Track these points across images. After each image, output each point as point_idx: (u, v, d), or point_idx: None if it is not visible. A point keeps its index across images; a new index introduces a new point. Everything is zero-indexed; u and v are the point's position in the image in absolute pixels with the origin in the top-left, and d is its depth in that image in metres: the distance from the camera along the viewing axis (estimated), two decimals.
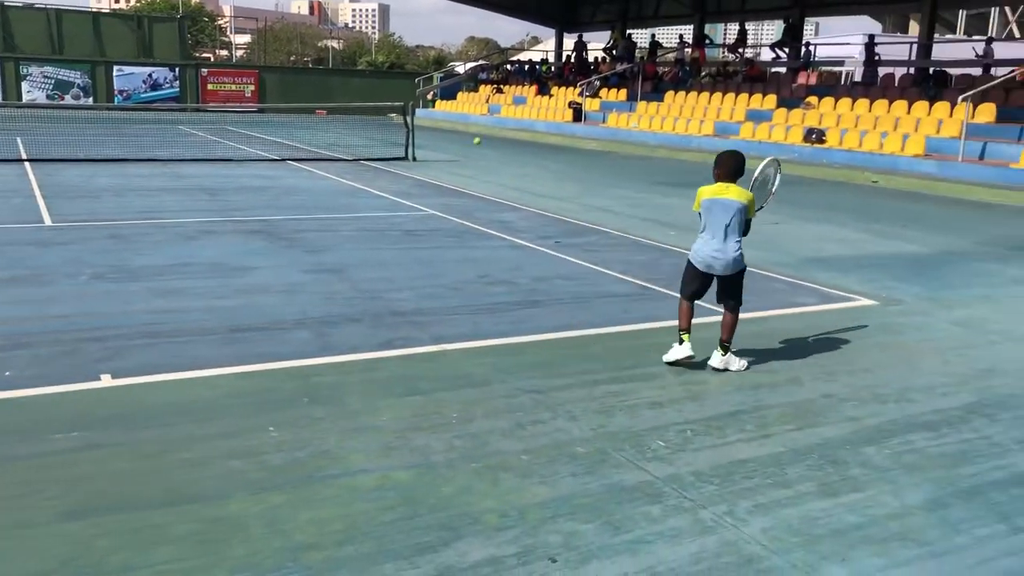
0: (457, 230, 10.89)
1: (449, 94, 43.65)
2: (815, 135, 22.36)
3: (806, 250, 9.94)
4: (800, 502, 3.86)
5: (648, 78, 31.67)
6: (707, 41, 35.34)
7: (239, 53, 72.95)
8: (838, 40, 44.24)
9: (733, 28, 35.19)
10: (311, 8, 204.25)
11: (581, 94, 31.90)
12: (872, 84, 25.50)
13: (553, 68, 40.33)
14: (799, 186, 17.59)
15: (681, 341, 5.64)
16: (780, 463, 4.26)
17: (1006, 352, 6.14)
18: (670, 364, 5.66)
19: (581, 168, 20.46)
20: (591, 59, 38.76)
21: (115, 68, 43.51)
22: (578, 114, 31.16)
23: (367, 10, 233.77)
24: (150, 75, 44.43)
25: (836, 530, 3.61)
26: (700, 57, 33.34)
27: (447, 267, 8.64)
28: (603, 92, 32.75)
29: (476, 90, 41.88)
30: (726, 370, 5.65)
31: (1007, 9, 53.65)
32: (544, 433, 4.54)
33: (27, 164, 16.53)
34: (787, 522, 3.67)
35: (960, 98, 19.64)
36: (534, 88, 37.05)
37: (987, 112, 20.45)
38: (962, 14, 55.43)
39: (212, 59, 64.46)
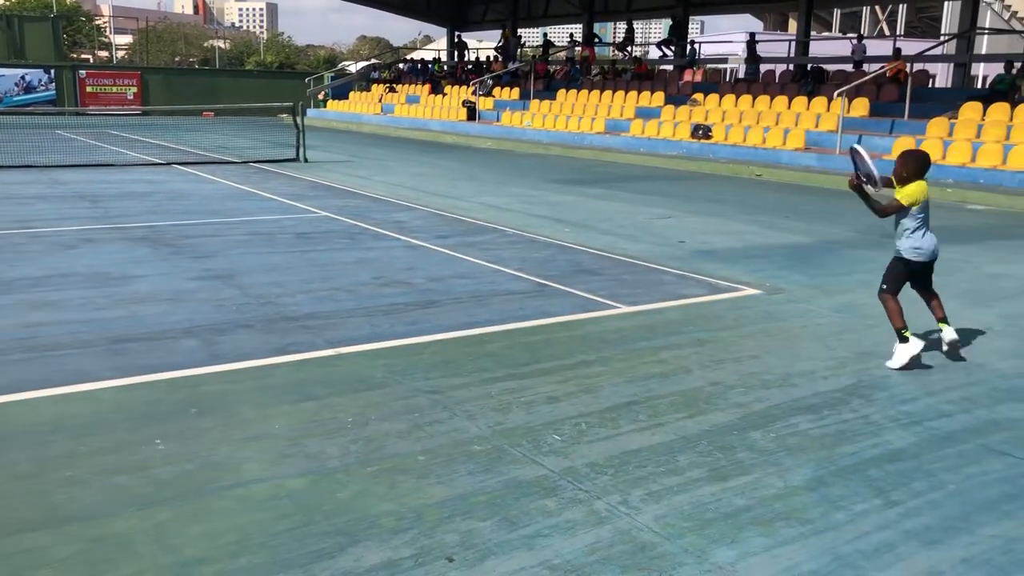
0: (351, 231, 10.76)
1: (341, 94, 43.09)
2: (702, 131, 23.00)
3: (694, 242, 10.22)
4: (691, 488, 3.97)
5: (540, 77, 31.98)
6: (596, 40, 35.90)
7: (120, 54, 70.18)
8: (722, 38, 45.65)
9: (621, 27, 35.88)
10: (196, 7, 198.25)
11: (474, 93, 31.97)
12: (754, 80, 26.41)
13: (446, 67, 40.28)
14: (687, 181, 18.10)
15: (907, 339, 5.68)
16: (672, 451, 4.37)
17: (883, 335, 6.45)
18: (901, 368, 5.71)
19: (476, 167, 20.50)
20: (483, 58, 38.88)
21: None
22: (472, 113, 31.22)
23: (254, 9, 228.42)
24: (23, 77, 42.34)
25: (725, 513, 3.73)
26: (590, 56, 33.87)
27: (341, 269, 8.53)
28: (496, 91, 32.90)
29: (369, 89, 41.48)
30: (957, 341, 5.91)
31: (877, 8, 56.49)
32: (442, 433, 4.54)
33: None
34: (679, 508, 3.77)
35: (835, 93, 20.53)
36: (427, 87, 36.95)
37: (861, 106, 21.44)
38: (837, 13, 58.03)
39: (91, 60, 61.83)
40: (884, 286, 5.88)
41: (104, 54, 67.49)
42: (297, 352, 5.86)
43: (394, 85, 39.97)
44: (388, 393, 5.11)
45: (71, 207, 12.20)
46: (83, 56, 65.16)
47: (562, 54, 36.54)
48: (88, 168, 17.71)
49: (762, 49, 28.10)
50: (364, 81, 44.08)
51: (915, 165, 5.68)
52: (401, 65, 44.68)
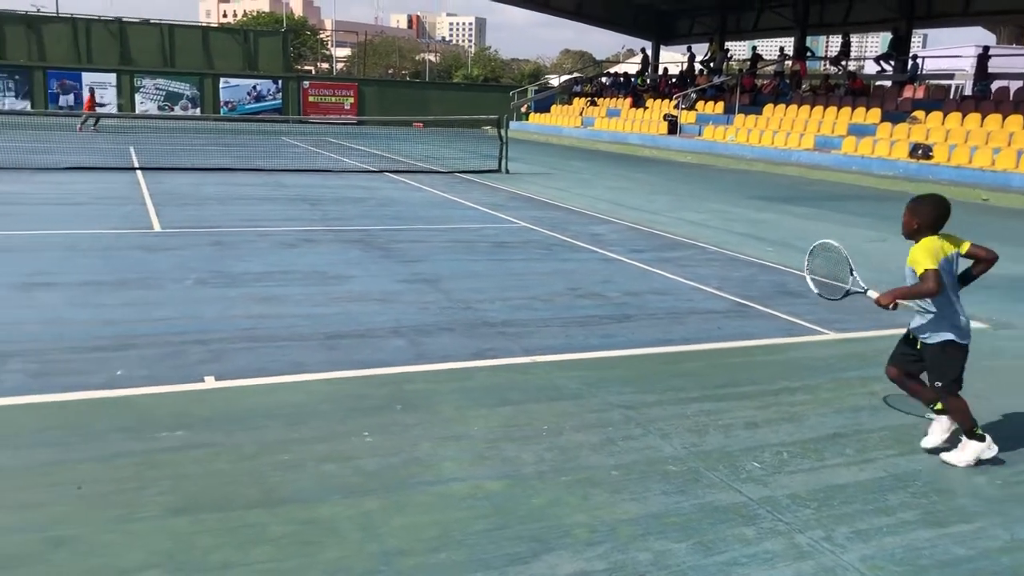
0: (548, 242, 10.90)
1: (543, 107, 43.83)
2: (921, 151, 21.59)
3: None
4: (903, 530, 3.71)
5: (746, 91, 31.15)
6: (808, 54, 34.54)
7: (339, 66, 74.83)
8: (948, 52, 42.68)
9: (835, 40, 34.30)
10: (409, 22, 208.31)
11: (677, 106, 31.60)
12: (984, 98, 24.49)
13: (648, 80, 40.07)
14: (904, 203, 17.01)
15: (983, 436, 4.42)
16: (882, 489, 4.11)
17: None
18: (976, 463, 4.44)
19: (675, 181, 20.25)
20: (687, 71, 38.38)
21: (222, 80, 45.19)
22: (673, 127, 30.87)
23: (464, 24, 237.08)
24: (254, 87, 45.98)
25: (942, 562, 3.46)
26: (801, 70, 32.63)
27: (538, 279, 8.65)
28: (699, 105, 32.38)
29: (570, 103, 41.95)
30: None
31: None
32: (635, 449, 4.49)
33: (139, 172, 17.29)
34: (889, 551, 3.53)
35: None
36: (629, 100, 36.88)
37: None
38: None
39: (313, 72, 66.33)
40: (938, 383, 4.44)
41: (325, 66, 72.26)
42: (495, 357, 6.00)
43: (595, 98, 40.22)
44: (582, 404, 5.12)
45: (294, 209, 13.10)
46: (306, 68, 70.02)
47: (771, 68, 35.40)
48: (309, 173, 18.97)
49: (994, 64, 26.03)
50: (566, 94, 44.64)
51: (932, 212, 4.48)
52: (603, 79, 44.90)
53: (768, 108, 29.07)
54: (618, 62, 65.53)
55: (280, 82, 46.40)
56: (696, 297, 8.12)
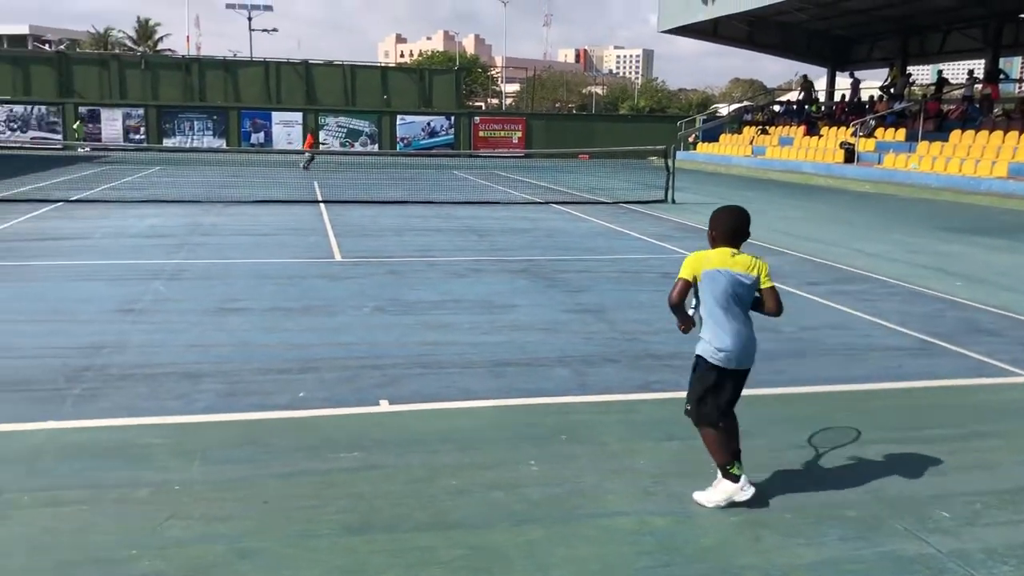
0: None
1: (711, 136, 43.14)
2: None
3: None
4: None
5: (931, 116, 29.47)
6: (1001, 76, 32.32)
7: (508, 101, 76.67)
8: None
9: None
10: (577, 56, 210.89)
11: (854, 134, 30.31)
12: None
13: (823, 108, 38.68)
14: None
15: (737, 477, 4.04)
16: None
17: None
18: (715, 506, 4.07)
19: (852, 211, 19.38)
20: (865, 98, 36.78)
21: (398, 117, 47.29)
22: (850, 155, 29.61)
23: (631, 56, 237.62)
24: (428, 123, 47.82)
25: None
26: (992, 93, 30.56)
27: None
28: (879, 132, 30.91)
29: (739, 132, 41.08)
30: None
31: None
32: (811, 491, 4.29)
33: (322, 205, 18.30)
34: None
35: None
36: (802, 128, 35.71)
37: None
38: None
39: (484, 107, 68.26)
40: (687, 406, 4.17)
41: (495, 101, 74.19)
42: (661, 390, 5.91)
43: (766, 127, 39.21)
44: (753, 443, 4.94)
45: (463, 239, 13.47)
46: (477, 104, 72.14)
47: (958, 92, 33.36)
48: (478, 205, 19.47)
49: None
50: (735, 123, 43.77)
51: (725, 222, 4.13)
52: (775, 106, 43.73)
53: (955, 134, 27.37)
54: (790, 89, 63.69)
55: (452, 118, 48.03)
56: (875, 333, 7.71)
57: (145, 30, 78.27)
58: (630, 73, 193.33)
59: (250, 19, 62.42)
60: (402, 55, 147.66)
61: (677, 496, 4.20)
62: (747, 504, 4.09)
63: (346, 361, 6.43)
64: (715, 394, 4.08)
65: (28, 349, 6.57)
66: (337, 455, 4.62)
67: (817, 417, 5.40)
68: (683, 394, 5.77)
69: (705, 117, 49.64)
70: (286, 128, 45.77)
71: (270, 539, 3.70)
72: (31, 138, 42.64)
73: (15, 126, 43.21)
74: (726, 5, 34.72)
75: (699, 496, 4.12)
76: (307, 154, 30.93)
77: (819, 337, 7.51)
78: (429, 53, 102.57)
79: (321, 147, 43.56)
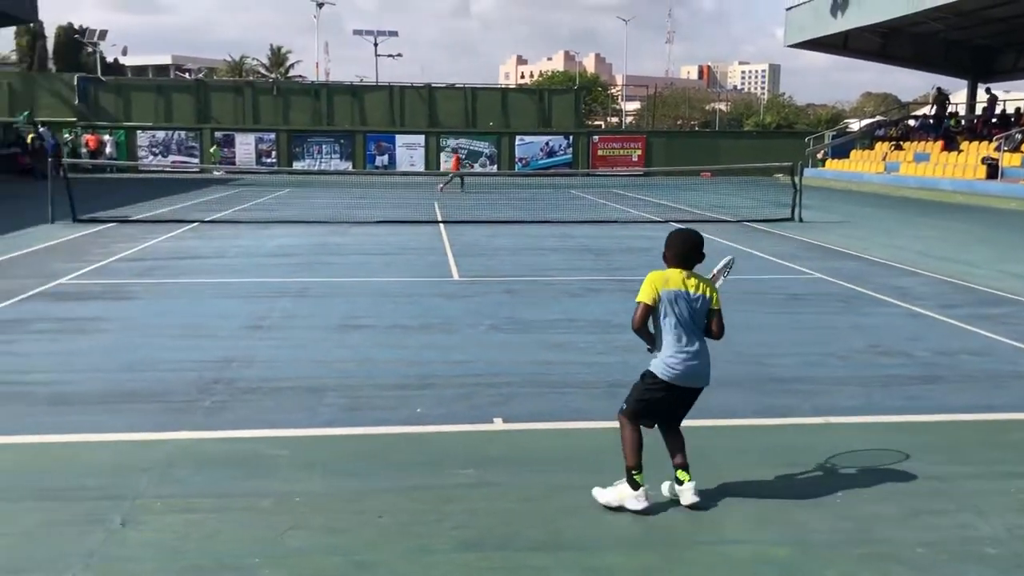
0: (846, 295, 10.26)
1: (841, 153, 41.72)
2: None
3: None
4: None
5: None
6: None
7: (628, 119, 76.33)
8: None
9: None
10: (700, 73, 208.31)
11: (998, 148, 28.72)
12: None
13: (963, 121, 36.84)
14: None
15: (637, 484, 4.17)
16: None
17: None
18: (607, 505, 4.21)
19: (994, 230, 18.33)
20: (1010, 110, 34.82)
21: (517, 138, 47.78)
22: (993, 170, 28.06)
23: (757, 71, 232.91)
24: (547, 143, 48.10)
25: None
26: None
27: (834, 334, 8.16)
28: None
29: (871, 148, 39.58)
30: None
31: None
32: (944, 526, 4.05)
33: (441, 225, 18.65)
34: None
35: None
36: (939, 144, 34.10)
37: None
38: None
39: (603, 126, 68.19)
40: (624, 404, 4.37)
41: (615, 120, 74.00)
42: (783, 416, 5.72)
43: (900, 142, 37.64)
44: (881, 472, 4.72)
45: (579, 259, 13.45)
46: (596, 123, 72.10)
47: None
48: (594, 224, 19.42)
49: None
50: (867, 139, 42.19)
51: (676, 246, 4.40)
52: (910, 121, 41.94)
53: None
54: (926, 103, 61.02)
55: (571, 138, 48.17)
56: (1022, 360, 7.24)
57: (277, 57, 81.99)
58: (756, 89, 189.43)
59: (376, 45, 64.56)
60: (523, 76, 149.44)
61: (798, 525, 4.04)
62: (875, 536, 3.89)
63: (463, 379, 6.50)
64: (656, 405, 4.30)
65: (167, 363, 6.93)
66: (453, 471, 4.66)
67: (954, 447, 5.12)
68: (807, 420, 5.62)
69: (835, 133, 48.09)
70: (409, 151, 46.93)
71: (386, 553, 3.75)
72: (171, 162, 45.22)
73: (157, 151, 45.91)
74: (857, 17, 33.61)
75: (596, 492, 4.29)
76: (450, 175, 31.46)
77: (958, 363, 7.11)
78: (549, 74, 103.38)
79: (442, 167, 44.45)
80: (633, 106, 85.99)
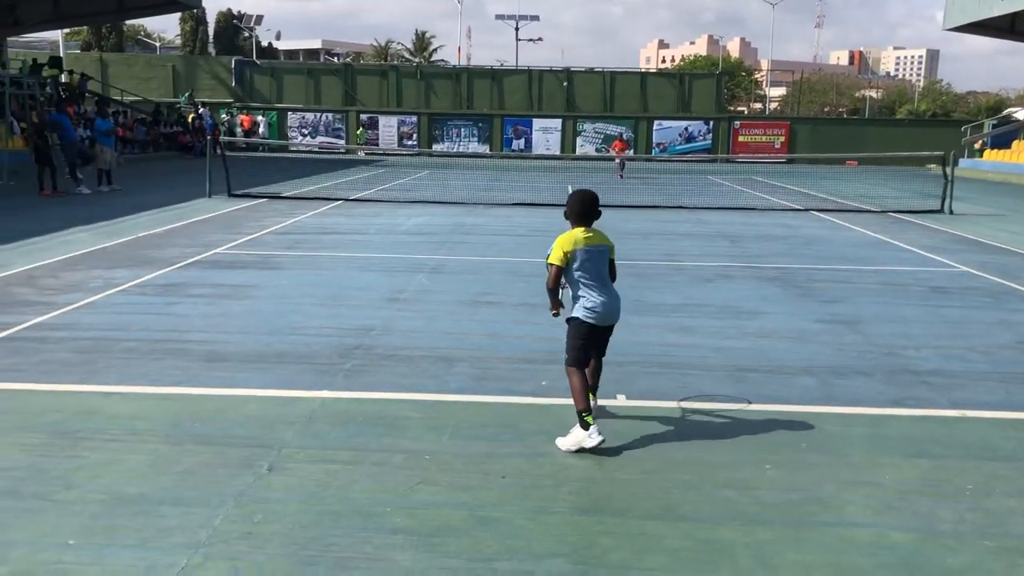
0: (995, 290, 9.78)
1: (1002, 143, 39.26)
2: None
3: None
4: None
5: None
6: None
7: (773, 105, 74.10)
8: None
9: None
10: (851, 58, 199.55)
11: None
12: None
13: None
14: None
15: (588, 425, 4.64)
16: None
17: None
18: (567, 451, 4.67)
19: None
20: None
21: (655, 123, 47.30)
22: None
23: (912, 57, 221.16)
24: (686, 128, 47.43)
25: None
26: None
27: (978, 329, 7.83)
28: None
29: None
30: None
31: None
32: None
33: None
34: None
35: None
36: None
37: None
38: None
39: (745, 112, 66.48)
40: (566, 356, 4.87)
41: (758, 106, 71.99)
42: (915, 407, 5.58)
43: None
44: (1019, 467, 4.56)
45: (712, 245, 13.29)
46: (739, 108, 70.36)
47: None
48: (731, 211, 19.08)
49: None
50: None
51: (575, 207, 4.94)
52: None
53: None
54: None
55: (711, 123, 47.29)
56: None
57: (421, 42, 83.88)
58: (911, 75, 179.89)
59: (517, 29, 65.01)
60: (663, 61, 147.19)
61: (923, 514, 3.98)
62: (1008, 530, 3.80)
63: None
64: (589, 346, 4.88)
65: (312, 328, 7.36)
66: None
67: None
68: (941, 412, 5.48)
69: (996, 122, 45.25)
70: (545, 134, 47.25)
71: (507, 511, 3.94)
72: (319, 143, 47.17)
73: (306, 132, 48.00)
74: None
75: (558, 441, 4.73)
76: (617, 160, 31.33)
77: None
78: (691, 58, 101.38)
79: (578, 151, 44.49)
80: (778, 92, 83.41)
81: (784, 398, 5.69)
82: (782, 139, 47.12)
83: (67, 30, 51.04)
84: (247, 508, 3.92)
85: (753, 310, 8.50)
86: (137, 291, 8.75)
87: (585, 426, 4.63)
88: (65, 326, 7.24)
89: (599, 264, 4.85)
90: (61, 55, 42.55)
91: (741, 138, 47.18)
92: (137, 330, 7.16)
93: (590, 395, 4.80)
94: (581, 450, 4.62)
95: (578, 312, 4.84)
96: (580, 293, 4.84)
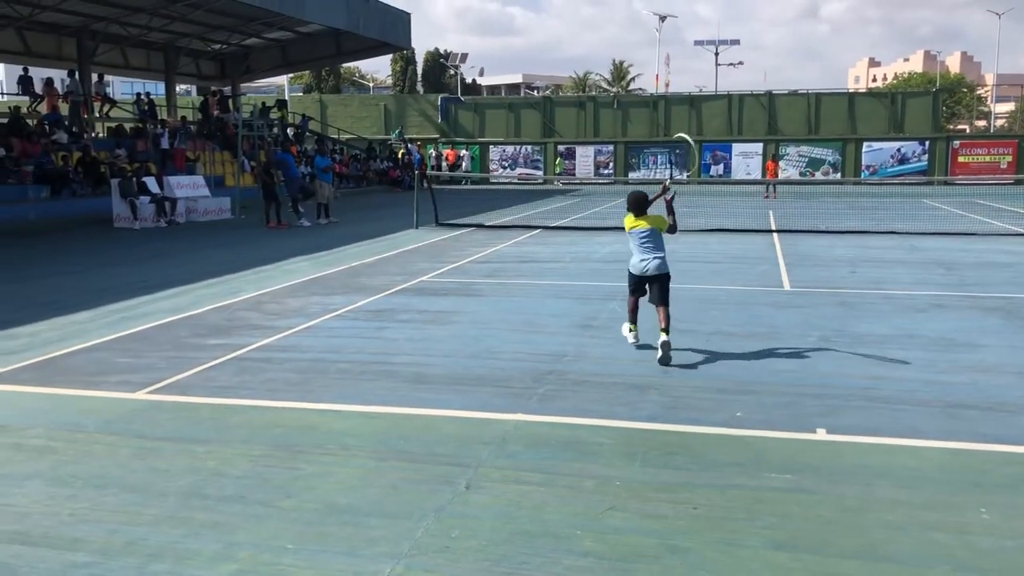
0: None
1: None
2: None
3: None
4: None
5: None
6: None
7: (999, 123, 68.59)
8: None
9: None
10: None
11: None
12: None
13: None
14: None
15: (632, 329, 7.81)
16: None
17: None
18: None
19: None
20: None
21: (864, 144, 45.04)
22: None
23: None
24: (898, 149, 44.85)
25: None
26: None
27: None
28: None
29: None
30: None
31: None
32: None
33: (775, 235, 18.21)
34: None
35: None
36: None
37: None
38: None
39: (967, 130, 61.94)
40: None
41: (982, 123, 66.84)
42: None
43: None
44: None
45: (926, 272, 12.50)
46: (959, 127, 65.60)
47: None
48: (948, 236, 17.84)
49: None
50: None
51: (629, 202, 7.63)
52: None
53: None
54: None
55: (927, 143, 44.49)
56: None
57: (619, 72, 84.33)
58: None
59: (716, 54, 64.14)
60: (874, 79, 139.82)
61: None
62: None
63: (786, 387, 6.44)
64: (637, 287, 7.67)
65: (507, 353, 7.62)
66: (768, 474, 4.70)
67: None
68: None
69: None
70: (745, 159, 46.18)
71: (698, 541, 3.92)
72: (518, 174, 48.45)
73: (506, 164, 49.46)
74: None
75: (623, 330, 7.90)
76: (770, 182, 30.53)
77: None
78: (905, 75, 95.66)
79: (780, 175, 43.12)
80: (1006, 108, 77.10)
81: (1004, 438, 5.28)
82: (1009, 159, 43.52)
83: (291, 75, 55.53)
84: (445, 523, 4.13)
85: (970, 342, 7.94)
86: (351, 316, 9.39)
87: (628, 329, 7.78)
88: (287, 348, 7.90)
89: (639, 238, 7.54)
90: (286, 98, 46.34)
91: (961, 158, 44.01)
92: (350, 352, 7.69)
93: (637, 323, 7.80)
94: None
95: (631, 266, 7.64)
96: (634, 253, 7.61)
